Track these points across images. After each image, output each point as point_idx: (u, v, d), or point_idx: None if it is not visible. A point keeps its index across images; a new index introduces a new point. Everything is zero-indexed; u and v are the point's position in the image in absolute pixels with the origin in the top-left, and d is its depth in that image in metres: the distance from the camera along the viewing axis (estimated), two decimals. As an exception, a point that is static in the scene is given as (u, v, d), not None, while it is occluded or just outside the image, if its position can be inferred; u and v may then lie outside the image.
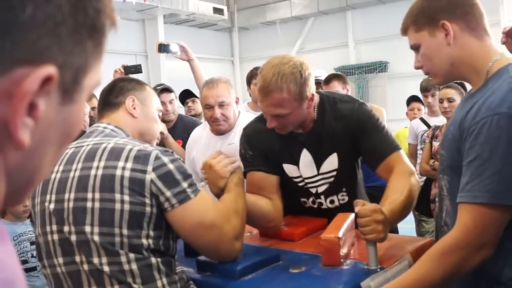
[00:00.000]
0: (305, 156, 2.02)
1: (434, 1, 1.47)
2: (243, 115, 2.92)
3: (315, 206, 2.12)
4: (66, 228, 1.49)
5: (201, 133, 2.94)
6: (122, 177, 1.45)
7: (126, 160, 1.47)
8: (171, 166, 1.49)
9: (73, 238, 1.48)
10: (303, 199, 2.13)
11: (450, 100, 3.63)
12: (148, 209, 1.46)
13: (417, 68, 1.56)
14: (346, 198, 2.09)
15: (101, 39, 0.50)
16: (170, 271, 1.53)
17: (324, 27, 13.35)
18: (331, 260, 1.63)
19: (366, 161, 2.04)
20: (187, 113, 4.29)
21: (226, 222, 1.56)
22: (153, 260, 1.48)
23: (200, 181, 2.83)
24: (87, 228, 1.46)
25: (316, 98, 1.96)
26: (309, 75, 1.84)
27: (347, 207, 1.97)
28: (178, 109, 3.82)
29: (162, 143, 3.27)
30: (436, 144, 3.72)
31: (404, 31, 1.55)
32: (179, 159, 1.55)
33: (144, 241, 1.46)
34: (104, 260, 1.45)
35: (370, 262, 1.60)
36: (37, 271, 2.74)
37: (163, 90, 3.70)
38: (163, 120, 3.60)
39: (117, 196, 1.44)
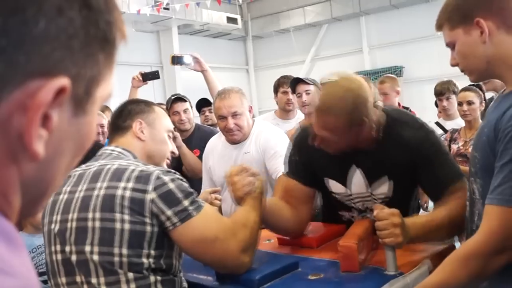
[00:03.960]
0: (355, 173, 1.95)
1: None
2: (258, 123, 2.93)
3: (354, 219, 2.03)
4: (67, 248, 1.53)
5: (216, 142, 2.95)
6: (122, 197, 1.48)
7: (128, 180, 1.50)
8: (171, 185, 1.50)
9: (74, 258, 1.51)
10: (341, 213, 2.08)
11: (469, 103, 3.61)
12: (148, 228, 1.47)
13: (453, 65, 1.53)
14: None
15: (112, 51, 0.51)
16: None
17: (338, 34, 13.32)
18: (349, 266, 1.63)
19: (427, 192, 1.98)
20: (204, 122, 4.29)
21: (232, 236, 1.55)
22: (152, 279, 1.49)
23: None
24: (87, 248, 1.49)
25: (382, 117, 1.87)
26: (363, 102, 1.75)
27: None
28: (195, 118, 3.83)
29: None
30: (455, 147, 3.69)
31: (439, 27, 1.51)
32: (180, 178, 1.57)
33: (145, 260, 1.48)
34: (102, 280, 1.47)
35: (389, 267, 1.59)
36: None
37: (176, 99, 3.71)
38: (179, 130, 3.63)
39: (118, 215, 1.47)
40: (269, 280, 1.63)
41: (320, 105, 1.78)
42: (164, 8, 10.54)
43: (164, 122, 1.83)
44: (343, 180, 1.98)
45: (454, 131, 3.82)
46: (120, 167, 1.56)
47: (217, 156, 2.85)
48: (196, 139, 3.59)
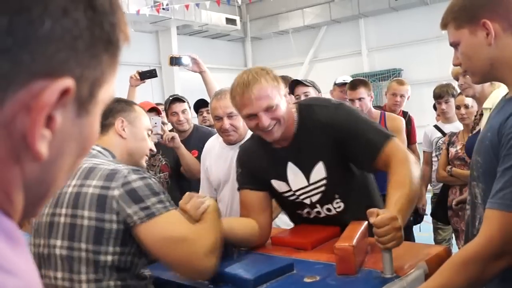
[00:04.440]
0: (292, 169, 2.04)
1: None
2: None
3: (312, 216, 2.12)
4: (41, 242, 1.61)
5: (214, 143, 2.95)
6: (90, 194, 1.53)
7: (97, 178, 1.55)
8: (137, 184, 1.53)
9: (43, 251, 1.59)
10: (298, 212, 2.15)
11: (467, 107, 3.61)
12: (108, 225, 1.50)
13: (455, 65, 1.52)
14: (342, 205, 2.07)
15: (116, 52, 0.51)
16: None
17: (337, 36, 13.34)
18: (345, 269, 1.62)
19: (360, 163, 2.00)
20: (201, 123, 4.29)
21: (199, 238, 1.56)
22: (112, 284, 1.52)
23: (214, 190, 2.84)
24: (53, 242, 1.56)
25: (295, 109, 2.01)
26: (275, 77, 1.92)
27: (346, 214, 2.00)
28: (193, 119, 3.82)
29: (175, 153, 3.28)
30: (453, 150, 3.69)
31: (444, 26, 1.49)
32: (150, 177, 1.59)
33: (103, 257, 1.51)
34: (67, 275, 1.53)
35: (386, 270, 1.59)
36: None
37: (174, 100, 3.71)
38: (177, 130, 3.62)
39: (85, 212, 1.52)
40: (264, 281, 1.62)
41: (241, 82, 1.87)
42: (163, 9, 10.55)
43: (144, 120, 1.88)
44: (285, 178, 2.06)
45: (452, 134, 3.81)
46: (93, 166, 1.60)
47: (214, 157, 2.85)
48: (195, 140, 3.59)
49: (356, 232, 1.72)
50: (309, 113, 2.00)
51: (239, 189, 2.14)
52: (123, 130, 1.80)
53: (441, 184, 3.90)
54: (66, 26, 0.45)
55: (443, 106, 4.19)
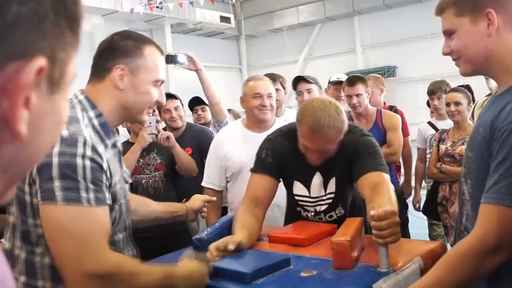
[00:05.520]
0: (317, 179, 2.23)
1: None
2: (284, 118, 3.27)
3: (315, 219, 2.31)
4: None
5: (233, 130, 2.98)
6: None
7: None
8: (54, 160, 1.32)
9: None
10: (304, 214, 2.32)
11: (457, 104, 3.64)
12: (27, 197, 1.38)
13: (445, 54, 1.48)
14: (343, 211, 2.28)
15: (78, 29, 0.52)
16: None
17: (331, 33, 13.37)
18: (342, 263, 1.63)
19: (354, 175, 2.13)
20: (196, 121, 4.29)
21: (88, 253, 1.33)
22: (46, 260, 1.41)
23: (225, 179, 2.84)
24: (9, 209, 1.48)
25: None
26: (342, 111, 2.06)
27: (344, 218, 2.08)
28: (186, 117, 3.83)
29: (169, 152, 3.28)
30: (443, 147, 3.72)
31: (441, 11, 1.46)
32: (80, 155, 1.35)
33: (31, 228, 1.40)
34: (12, 242, 1.47)
35: (382, 264, 1.60)
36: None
37: (167, 96, 3.71)
38: (170, 128, 3.63)
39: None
40: (261, 275, 1.63)
41: (317, 121, 1.98)
42: (157, 7, 10.54)
43: (152, 70, 1.57)
44: (308, 184, 2.25)
45: (443, 131, 3.84)
46: None
47: (237, 142, 2.87)
48: (188, 137, 3.59)
49: (352, 228, 1.73)
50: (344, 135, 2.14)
51: (257, 172, 2.23)
52: (121, 79, 1.51)
53: (432, 181, 3.93)
54: (32, 8, 0.45)
55: (436, 102, 4.21)
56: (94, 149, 1.39)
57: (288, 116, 3.69)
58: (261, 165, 2.23)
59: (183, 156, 3.30)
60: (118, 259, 1.42)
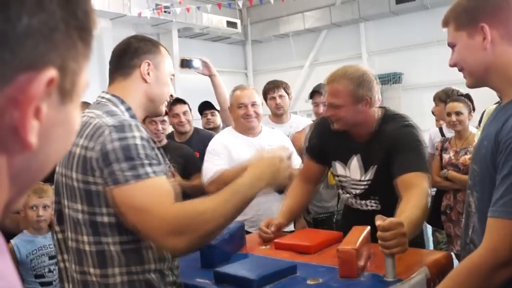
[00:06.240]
0: (356, 161, 2.30)
1: (479, 1, 1.41)
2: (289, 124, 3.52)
3: (353, 202, 2.40)
4: (56, 199, 1.60)
5: (226, 136, 3.01)
6: (77, 154, 1.47)
7: (83, 137, 1.47)
8: (113, 145, 1.41)
9: (60, 208, 1.57)
10: (344, 195, 2.46)
11: (458, 113, 3.65)
12: (93, 187, 1.44)
13: (451, 65, 1.52)
14: (379, 207, 2.29)
15: (90, 39, 0.53)
16: (135, 260, 1.48)
17: (337, 39, 13.36)
18: (348, 272, 1.64)
19: (392, 173, 2.09)
20: (205, 126, 4.30)
21: (165, 213, 1.38)
22: (112, 244, 1.47)
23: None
24: (62, 201, 1.54)
25: (380, 112, 2.25)
26: (369, 81, 2.16)
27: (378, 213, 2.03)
28: (195, 121, 3.85)
29: (183, 160, 3.30)
30: (446, 156, 3.72)
31: (445, 24, 1.50)
32: (132, 137, 1.44)
33: (99, 218, 1.46)
34: (73, 236, 1.51)
35: (388, 274, 1.60)
36: (53, 285, 2.74)
37: (176, 101, 3.73)
38: (178, 132, 3.64)
39: (73, 174, 1.48)
40: (267, 282, 1.63)
41: (332, 75, 2.17)
42: (165, 11, 10.57)
43: (168, 64, 1.75)
44: (347, 164, 2.33)
45: (445, 140, 3.85)
46: (86, 120, 1.51)
47: (238, 146, 2.90)
48: (196, 142, 3.61)
49: (358, 236, 1.74)
50: (387, 123, 2.23)
51: (306, 154, 2.52)
52: (148, 74, 1.65)
53: (435, 189, 3.92)
54: (42, 19, 0.45)
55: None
56: (143, 131, 1.51)
57: (294, 122, 3.70)
58: (308, 148, 2.51)
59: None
60: (188, 207, 1.43)
